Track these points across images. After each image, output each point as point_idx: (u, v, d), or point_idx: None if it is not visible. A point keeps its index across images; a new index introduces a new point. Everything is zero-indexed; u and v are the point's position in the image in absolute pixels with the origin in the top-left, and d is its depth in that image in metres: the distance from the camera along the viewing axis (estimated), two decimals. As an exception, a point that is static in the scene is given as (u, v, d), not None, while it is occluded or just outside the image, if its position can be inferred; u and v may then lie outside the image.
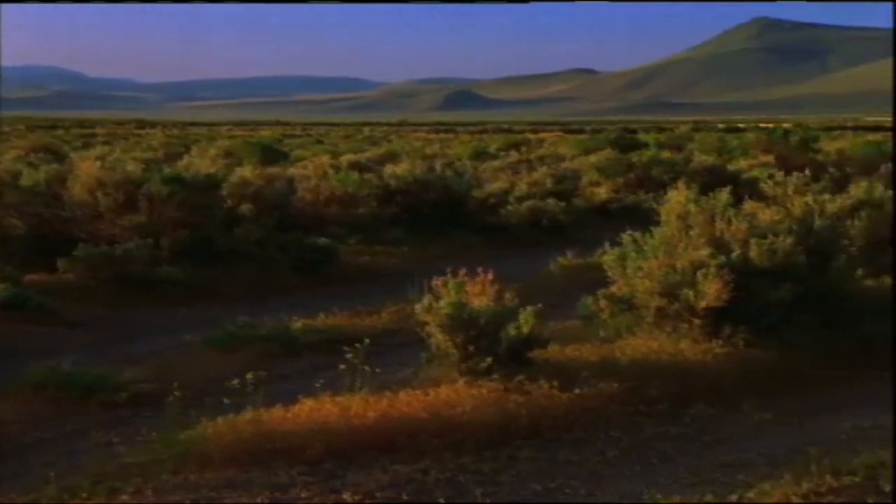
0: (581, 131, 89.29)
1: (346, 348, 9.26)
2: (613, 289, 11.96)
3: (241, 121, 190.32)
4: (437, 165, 25.93)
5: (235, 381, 8.63)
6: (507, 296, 10.17)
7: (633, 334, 11.42)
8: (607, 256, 12.20)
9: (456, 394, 9.20)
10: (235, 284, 16.39)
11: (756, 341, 10.98)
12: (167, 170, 19.43)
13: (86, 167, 18.12)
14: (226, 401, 8.51)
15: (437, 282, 10.17)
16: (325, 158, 30.65)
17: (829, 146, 47.45)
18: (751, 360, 10.71)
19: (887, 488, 7.23)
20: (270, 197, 20.73)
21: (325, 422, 8.53)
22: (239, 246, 17.56)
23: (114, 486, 7.48)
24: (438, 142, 70.26)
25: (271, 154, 42.28)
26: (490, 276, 10.20)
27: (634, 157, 34.05)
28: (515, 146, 54.70)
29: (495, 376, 9.47)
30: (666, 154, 35.19)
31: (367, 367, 9.06)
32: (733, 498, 7.16)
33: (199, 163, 23.49)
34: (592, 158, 35.09)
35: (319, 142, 73.74)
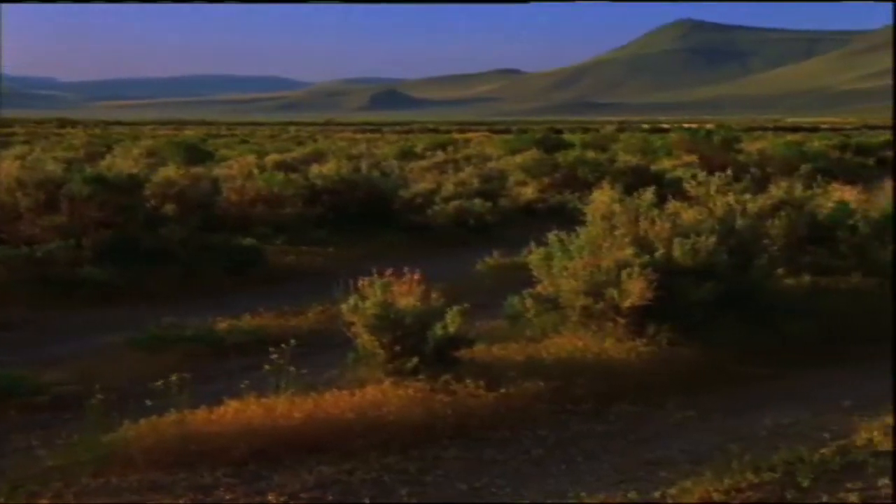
0: (507, 131, 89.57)
1: (272, 349, 9.21)
2: (539, 288, 12.02)
3: (164, 120, 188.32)
4: (364, 165, 25.86)
5: (159, 383, 8.54)
6: (434, 296, 10.19)
7: (559, 333, 11.49)
8: (533, 256, 12.26)
9: (382, 394, 9.19)
10: (160, 285, 16.18)
11: (680, 340, 11.11)
12: (89, 170, 19.16)
13: (5, 167, 17.80)
14: (149, 402, 8.41)
15: (363, 282, 10.15)
16: (251, 158, 30.43)
17: (751, 146, 48.18)
18: (674, 359, 10.83)
19: (805, 484, 7.37)
20: (195, 197, 20.53)
21: (250, 423, 8.48)
22: (163, 246, 17.34)
23: (33, 491, 7.36)
24: (365, 141, 70.04)
25: (196, 154, 41.88)
26: (416, 276, 10.21)
27: (560, 157, 34.21)
28: (442, 146, 54.65)
29: (421, 376, 9.49)
30: (591, 154, 35.39)
31: (292, 368, 9.01)
32: (656, 495, 7.24)
33: (122, 162, 23.27)
34: (518, 158, 35.18)
35: (245, 141, 73.13)
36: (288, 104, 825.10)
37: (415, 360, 9.61)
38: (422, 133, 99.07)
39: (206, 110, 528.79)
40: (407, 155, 47.45)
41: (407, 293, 10.12)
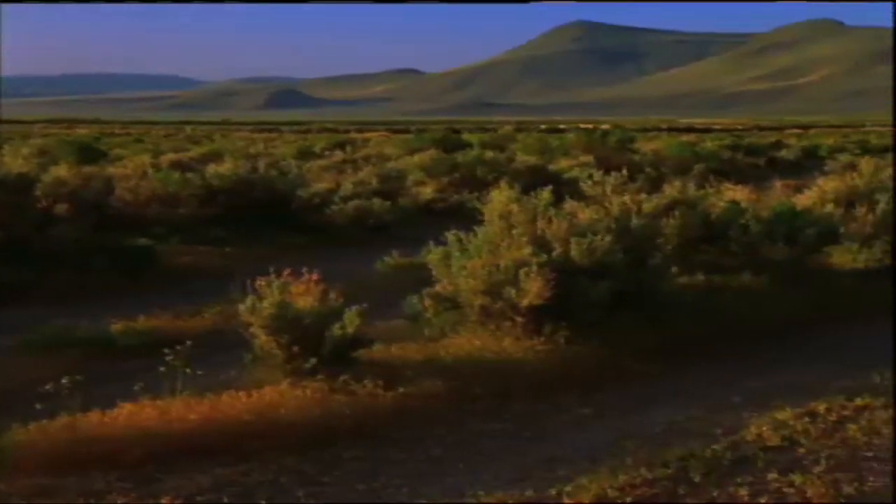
0: (406, 131, 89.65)
1: (167, 351, 9.07)
2: (438, 288, 12.04)
3: (56, 118, 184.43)
4: (261, 165, 25.61)
5: (50, 386, 8.35)
6: (332, 296, 10.14)
7: (458, 333, 11.53)
8: (432, 256, 12.27)
9: (280, 395, 9.13)
10: (52, 286, 15.82)
11: (577, 338, 11.20)
12: (-25, 169, 18.68)
13: None
14: (39, 406, 8.23)
15: (260, 282, 10.06)
16: (146, 158, 29.98)
17: (646, 147, 48.99)
18: (571, 357, 10.93)
19: (697, 479, 7.51)
20: (88, 197, 20.13)
21: (145, 426, 8.34)
22: (55, 247, 16.98)
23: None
24: (262, 141, 69.58)
25: (88, 153, 41.12)
26: (315, 276, 10.15)
27: (459, 156, 34.34)
28: (341, 146, 54.59)
29: (320, 377, 9.45)
30: (489, 154, 35.59)
31: (188, 370, 8.89)
32: (553, 493, 7.30)
33: (11, 162, 22.59)
34: (417, 158, 35.24)
35: (139, 140, 72.14)
36: (184, 103, 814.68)
37: (313, 360, 9.56)
38: (320, 133, 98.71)
39: (100, 109, 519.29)
40: (305, 154, 47.25)
41: (305, 293, 10.07)
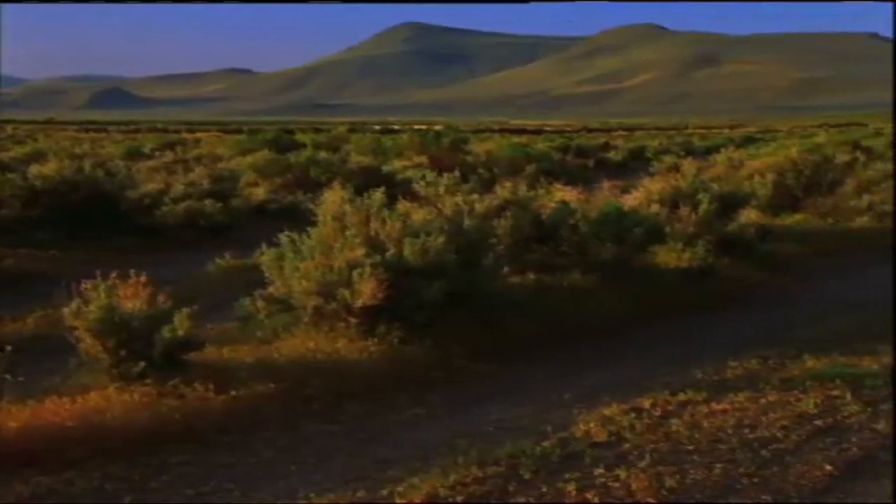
0: (239, 131, 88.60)
1: (-14, 356, 8.73)
2: (271, 289, 11.93)
3: None
4: (87, 165, 24.89)
5: None
6: (162, 298, 9.93)
7: (291, 334, 11.44)
8: (265, 257, 12.15)
9: (106, 400, 8.89)
10: None
11: (410, 338, 11.24)
12: None
13: None
14: None
15: (86, 285, 9.78)
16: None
17: (479, 148, 49.41)
18: (405, 357, 10.96)
19: (527, 476, 7.62)
20: None
21: (-39, 436, 8.01)
22: None
23: None
24: (89, 141, 67.63)
25: None
26: (143, 279, 9.93)
27: (292, 157, 34.10)
28: (171, 146, 53.54)
29: (149, 381, 9.23)
30: (323, 155, 35.43)
31: (8, 376, 8.58)
32: (385, 493, 7.30)
33: None
34: (250, 159, 34.86)
35: (-42, 140, 69.34)
36: (2, 102, 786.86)
37: (142, 364, 9.34)
38: (150, 132, 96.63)
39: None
40: (134, 155, 46.12)
41: (133, 296, 9.83)
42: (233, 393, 9.36)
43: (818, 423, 9.16)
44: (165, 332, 9.57)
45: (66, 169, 23.10)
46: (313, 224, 12.30)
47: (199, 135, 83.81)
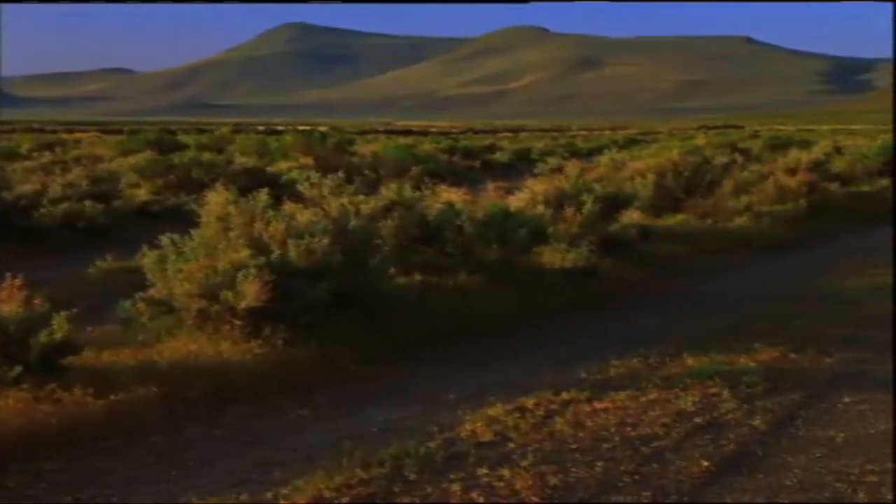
0: (119, 132, 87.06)
1: None
2: (153, 291, 11.74)
3: None
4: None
5: None
6: (38, 301, 9.70)
7: (174, 337, 11.26)
8: (146, 259, 11.95)
9: (-22, 407, 8.64)
10: None
11: (295, 340, 11.16)
12: None
13: None
14: None
15: (-43, 289, 9.52)
16: None
17: (365, 149, 49.38)
18: (290, 359, 10.88)
19: (412, 477, 7.64)
20: None
21: None
22: None
23: None
24: (-38, 141, 65.79)
25: None
26: (18, 282, 9.69)
27: (175, 158, 33.64)
28: (49, 146, 52.26)
29: (25, 385, 8.99)
30: (207, 155, 35.03)
31: None
32: (269, 496, 7.25)
33: None
34: (131, 159, 34.27)
35: None
36: None
37: (18, 369, 9.10)
38: (26, 133, 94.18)
39: None
40: (10, 155, 44.93)
41: (8, 299, 9.59)
42: (113, 397, 9.18)
43: (697, 420, 9.33)
44: (42, 336, 9.35)
45: (-63, 170, 22.42)
46: (197, 226, 12.16)
47: (78, 135, 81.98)
